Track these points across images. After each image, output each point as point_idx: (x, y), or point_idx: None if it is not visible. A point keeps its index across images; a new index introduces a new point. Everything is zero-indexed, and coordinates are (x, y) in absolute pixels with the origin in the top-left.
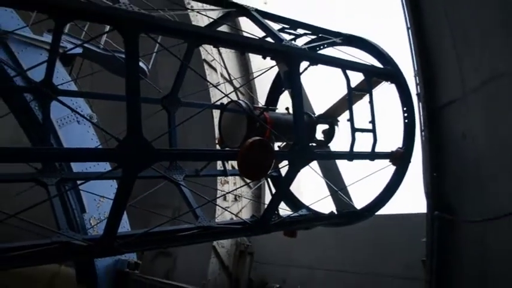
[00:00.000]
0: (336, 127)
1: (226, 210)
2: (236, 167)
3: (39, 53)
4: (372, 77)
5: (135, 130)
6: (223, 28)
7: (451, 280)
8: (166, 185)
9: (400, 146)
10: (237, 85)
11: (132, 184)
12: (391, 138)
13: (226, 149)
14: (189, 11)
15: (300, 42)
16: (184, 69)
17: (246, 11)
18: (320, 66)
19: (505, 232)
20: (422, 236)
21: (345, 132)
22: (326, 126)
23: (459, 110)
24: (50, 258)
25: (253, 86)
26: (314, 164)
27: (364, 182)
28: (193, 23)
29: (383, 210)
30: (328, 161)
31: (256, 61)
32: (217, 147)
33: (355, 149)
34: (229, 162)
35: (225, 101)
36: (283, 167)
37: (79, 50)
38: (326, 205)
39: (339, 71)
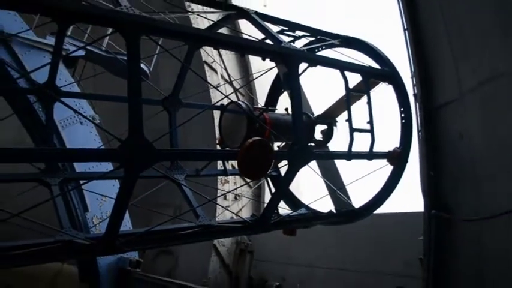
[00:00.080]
0: (334, 127)
1: (226, 209)
2: (236, 167)
3: (43, 56)
4: (370, 78)
5: (137, 131)
6: (223, 30)
7: (448, 278)
8: (167, 184)
9: (398, 146)
10: (237, 86)
11: (133, 184)
12: (388, 138)
13: (227, 149)
14: (189, 13)
15: (299, 44)
16: (185, 70)
17: (245, 14)
18: (318, 68)
19: (501, 231)
20: (420, 234)
21: (343, 133)
22: (325, 127)
23: (456, 110)
24: (53, 257)
25: (253, 87)
26: (313, 164)
27: (362, 182)
28: (193, 25)
29: (381, 209)
30: (326, 160)
31: (256, 63)
32: (218, 147)
33: (354, 149)
34: (230, 162)
35: (225, 102)
36: (283, 166)
37: (81, 52)
38: (325, 204)
39: (337, 72)
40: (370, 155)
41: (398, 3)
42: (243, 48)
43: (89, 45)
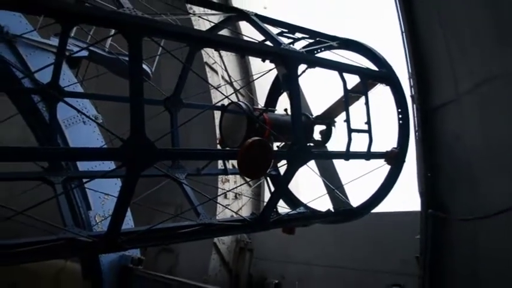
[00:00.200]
0: (332, 128)
1: (226, 208)
2: (236, 166)
3: (47, 56)
4: (368, 80)
5: (139, 130)
6: (224, 32)
7: (444, 276)
8: (168, 183)
9: (395, 146)
10: (237, 87)
11: (135, 182)
12: (386, 139)
13: (227, 148)
14: (191, 15)
15: (298, 45)
16: (186, 71)
17: (246, 16)
18: (317, 69)
19: (495, 230)
20: (417, 233)
21: (342, 133)
22: (323, 127)
23: (452, 111)
24: (56, 254)
25: (253, 88)
26: (312, 164)
27: (360, 181)
28: (195, 27)
29: (379, 208)
30: (325, 160)
31: (256, 64)
32: (218, 147)
33: (352, 149)
34: (230, 161)
35: (226, 102)
36: (282, 166)
37: (85, 53)
38: (323, 203)
39: (335, 73)
40: (368, 155)
41: (396, 6)
42: (243, 50)
43: (92, 46)
